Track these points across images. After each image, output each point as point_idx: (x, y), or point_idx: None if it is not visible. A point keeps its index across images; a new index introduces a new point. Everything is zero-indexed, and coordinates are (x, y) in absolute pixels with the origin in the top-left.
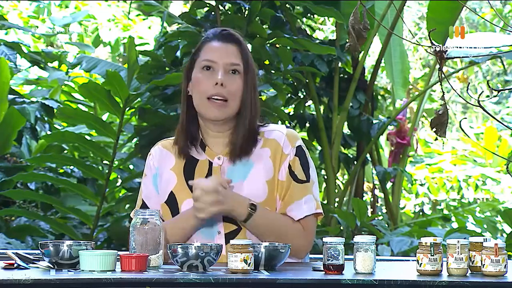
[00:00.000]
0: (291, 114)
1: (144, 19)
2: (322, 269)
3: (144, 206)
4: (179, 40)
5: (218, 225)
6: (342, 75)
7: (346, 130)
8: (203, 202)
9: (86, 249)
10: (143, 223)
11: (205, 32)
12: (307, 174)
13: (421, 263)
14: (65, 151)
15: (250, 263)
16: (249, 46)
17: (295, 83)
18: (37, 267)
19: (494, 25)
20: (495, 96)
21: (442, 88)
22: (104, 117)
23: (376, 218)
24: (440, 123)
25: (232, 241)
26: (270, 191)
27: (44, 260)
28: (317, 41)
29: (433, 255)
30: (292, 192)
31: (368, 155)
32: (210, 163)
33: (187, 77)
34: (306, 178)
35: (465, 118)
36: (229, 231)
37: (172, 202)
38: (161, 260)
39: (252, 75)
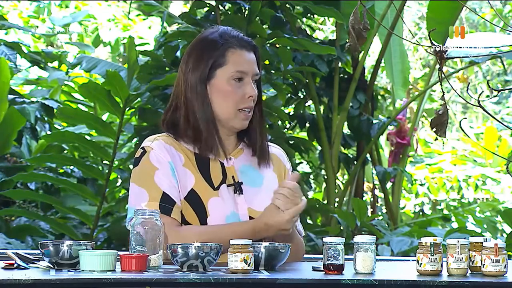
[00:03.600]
0: (291, 114)
1: (144, 19)
2: (322, 269)
3: (167, 198)
4: (179, 40)
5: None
6: (342, 75)
7: (346, 130)
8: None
9: (86, 249)
10: (143, 223)
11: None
12: None
13: (421, 263)
14: (65, 151)
15: (250, 263)
16: None
17: (295, 83)
18: (37, 267)
19: (494, 25)
20: (495, 96)
21: (442, 88)
22: (104, 117)
23: (376, 218)
24: (440, 123)
25: (232, 241)
26: None
27: (44, 260)
28: (317, 41)
29: (433, 255)
30: None
31: (368, 155)
32: (221, 163)
33: (205, 81)
34: None
35: (465, 118)
36: None
37: (193, 200)
38: (161, 260)
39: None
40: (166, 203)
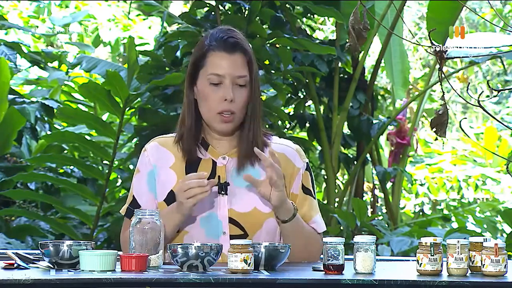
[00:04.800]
0: (291, 114)
1: (144, 19)
2: (322, 269)
3: (134, 203)
4: (179, 40)
5: (223, 225)
6: (342, 75)
7: (346, 130)
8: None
9: (86, 249)
10: (143, 223)
11: (205, 32)
12: (315, 191)
13: (421, 263)
14: (65, 151)
15: (250, 263)
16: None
17: (295, 83)
18: (37, 267)
19: (494, 25)
20: (495, 96)
21: (442, 88)
22: (104, 117)
23: (376, 218)
24: (440, 123)
25: (232, 241)
26: None
27: (44, 260)
28: (317, 41)
29: (433, 255)
30: (312, 206)
31: (368, 155)
32: (214, 163)
33: (191, 82)
34: (315, 194)
35: (465, 118)
36: (235, 234)
37: (172, 202)
38: (161, 260)
39: (257, 82)
40: (132, 207)
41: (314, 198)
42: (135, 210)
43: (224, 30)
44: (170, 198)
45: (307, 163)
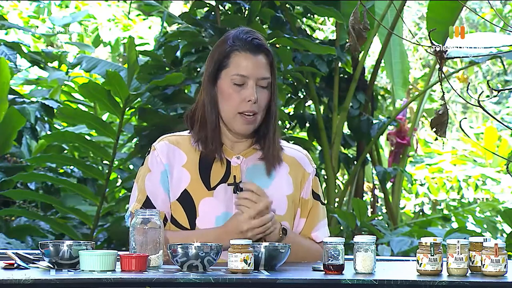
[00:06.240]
0: (291, 114)
1: (144, 19)
2: (322, 269)
3: (148, 203)
4: (179, 40)
5: None
6: (342, 75)
7: (346, 130)
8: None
9: (86, 249)
10: (143, 223)
11: (205, 32)
12: (324, 197)
13: (421, 263)
14: (65, 151)
15: (250, 263)
16: None
17: (295, 83)
18: (37, 267)
19: (494, 25)
20: (495, 96)
21: (442, 88)
22: (104, 117)
23: (376, 218)
24: (440, 123)
25: (232, 241)
26: (289, 207)
27: (44, 260)
28: (317, 41)
29: (433, 255)
30: (318, 212)
31: (368, 155)
32: (228, 162)
33: (213, 81)
34: (323, 200)
35: (465, 118)
36: None
37: (185, 201)
38: (161, 260)
39: (276, 83)
40: (146, 207)
41: (323, 204)
42: (135, 210)
43: (248, 31)
44: (184, 197)
45: (316, 168)
